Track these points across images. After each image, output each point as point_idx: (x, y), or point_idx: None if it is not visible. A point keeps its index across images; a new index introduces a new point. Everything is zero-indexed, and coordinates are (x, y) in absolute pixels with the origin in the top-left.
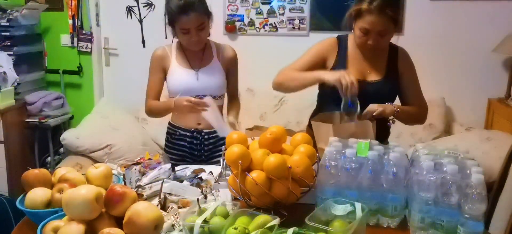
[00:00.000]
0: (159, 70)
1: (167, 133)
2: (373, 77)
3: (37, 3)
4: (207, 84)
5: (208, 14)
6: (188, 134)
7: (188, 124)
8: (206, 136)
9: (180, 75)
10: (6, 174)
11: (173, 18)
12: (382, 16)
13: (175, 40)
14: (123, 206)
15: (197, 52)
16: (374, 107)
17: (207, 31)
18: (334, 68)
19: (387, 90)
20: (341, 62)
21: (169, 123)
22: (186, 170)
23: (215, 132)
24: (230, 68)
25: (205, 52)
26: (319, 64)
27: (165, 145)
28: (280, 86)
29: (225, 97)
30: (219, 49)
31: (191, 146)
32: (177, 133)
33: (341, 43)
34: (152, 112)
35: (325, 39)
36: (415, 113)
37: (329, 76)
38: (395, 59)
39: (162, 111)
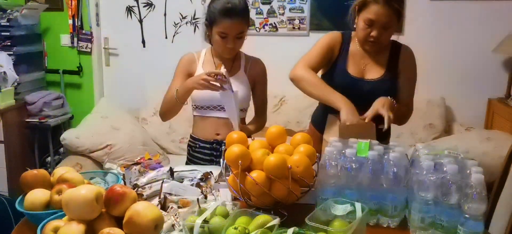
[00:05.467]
0: (184, 75)
1: (188, 145)
2: (371, 75)
3: (37, 3)
4: None
5: (248, 24)
6: (207, 145)
7: (206, 136)
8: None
9: None
10: (6, 174)
11: (214, 18)
12: (387, 8)
13: (204, 49)
14: (123, 206)
15: (225, 61)
16: (384, 114)
17: (243, 41)
18: (336, 61)
19: (384, 89)
20: (342, 57)
21: (190, 135)
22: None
23: None
24: (257, 82)
25: (234, 63)
26: (328, 57)
27: (187, 157)
28: (297, 83)
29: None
30: (248, 61)
31: (212, 159)
32: (197, 146)
33: (345, 38)
34: (161, 108)
35: (330, 33)
36: (402, 113)
37: (343, 112)
38: (396, 57)
39: (166, 102)
